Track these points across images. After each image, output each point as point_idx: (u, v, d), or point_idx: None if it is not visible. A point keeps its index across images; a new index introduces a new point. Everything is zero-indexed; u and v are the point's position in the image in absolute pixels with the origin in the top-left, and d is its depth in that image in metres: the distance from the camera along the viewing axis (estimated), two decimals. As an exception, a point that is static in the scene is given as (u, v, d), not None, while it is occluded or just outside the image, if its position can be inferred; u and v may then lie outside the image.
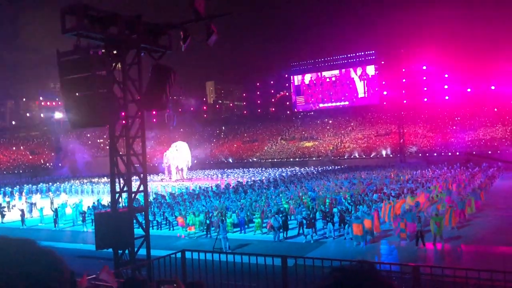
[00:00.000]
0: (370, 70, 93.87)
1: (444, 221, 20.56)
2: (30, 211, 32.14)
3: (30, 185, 55.92)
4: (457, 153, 59.77)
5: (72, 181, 60.10)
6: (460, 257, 17.37)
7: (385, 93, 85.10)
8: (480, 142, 65.44)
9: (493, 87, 74.50)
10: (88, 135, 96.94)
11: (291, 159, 78.16)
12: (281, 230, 21.59)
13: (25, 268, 1.10)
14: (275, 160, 79.99)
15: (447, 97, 77.87)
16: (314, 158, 76.04)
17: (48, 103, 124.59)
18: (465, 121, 72.60)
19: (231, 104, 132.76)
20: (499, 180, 41.12)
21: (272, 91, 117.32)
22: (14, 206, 35.15)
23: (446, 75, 78.88)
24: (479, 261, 15.78)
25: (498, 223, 22.91)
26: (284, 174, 53.53)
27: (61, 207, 31.09)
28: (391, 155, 69.26)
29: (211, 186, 41.03)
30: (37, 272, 1.11)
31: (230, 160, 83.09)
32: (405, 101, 72.89)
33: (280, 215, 22.50)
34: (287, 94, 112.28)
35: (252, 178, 50.37)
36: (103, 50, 11.45)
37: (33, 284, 1.09)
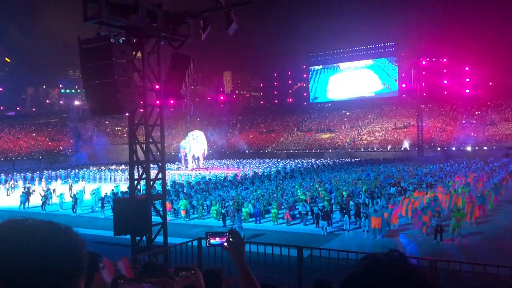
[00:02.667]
0: (390, 62, 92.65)
1: (467, 217, 20.36)
2: (51, 197, 32.71)
3: (49, 171, 56.88)
4: (484, 148, 58.70)
5: (90, 167, 60.92)
6: (479, 253, 17.15)
7: (404, 85, 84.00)
8: (501, 137, 64.26)
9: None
10: (107, 122, 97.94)
11: (307, 151, 77.87)
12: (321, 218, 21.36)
13: (43, 248, 1.12)
14: (291, 151, 79.80)
15: (467, 91, 76.49)
16: (330, 150, 75.63)
17: (68, 90, 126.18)
18: (486, 115, 71.31)
19: (248, 95, 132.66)
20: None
21: (290, 82, 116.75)
22: (34, 191, 35.80)
23: (467, 68, 77.44)
24: (497, 257, 15.57)
25: (518, 219, 22.56)
26: (300, 166, 53.42)
27: (79, 193, 31.58)
28: (409, 149, 68.52)
29: (227, 176, 41.17)
30: (55, 251, 1.14)
31: (246, 151, 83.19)
32: (424, 94, 71.78)
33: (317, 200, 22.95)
34: (304, 85, 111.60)
35: (268, 169, 50.36)
36: (123, 38, 11.52)
37: (50, 263, 1.11)
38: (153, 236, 12.19)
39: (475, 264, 9.16)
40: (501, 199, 27.28)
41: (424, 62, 74.20)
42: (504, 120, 69.58)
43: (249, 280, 2.64)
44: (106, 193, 31.05)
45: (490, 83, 76.93)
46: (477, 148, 60.76)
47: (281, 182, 36.17)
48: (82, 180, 44.36)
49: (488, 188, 27.80)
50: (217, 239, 2.95)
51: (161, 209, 13.02)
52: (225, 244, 2.85)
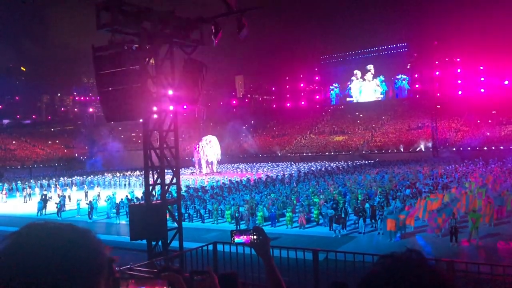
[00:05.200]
0: (401, 62, 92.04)
1: (485, 218, 20.11)
2: (64, 203, 33.10)
3: (65, 177, 57.56)
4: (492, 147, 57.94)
5: (105, 174, 61.51)
6: (497, 255, 16.90)
7: (417, 86, 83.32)
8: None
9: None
10: (120, 128, 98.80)
11: (321, 153, 77.56)
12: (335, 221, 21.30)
13: (65, 249, 1.15)
14: (304, 154, 79.59)
15: (482, 90, 75.55)
16: (344, 153, 75.25)
17: (82, 97, 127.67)
18: (502, 115, 70.29)
19: (260, 98, 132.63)
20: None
21: (302, 84, 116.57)
22: (51, 198, 36.26)
23: (481, 67, 76.55)
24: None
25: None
26: (313, 169, 53.26)
27: (94, 199, 31.91)
28: (423, 150, 67.86)
29: (241, 180, 41.22)
30: (76, 252, 1.16)
31: (260, 154, 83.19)
32: (438, 94, 71.15)
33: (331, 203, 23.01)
34: (316, 87, 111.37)
35: (282, 172, 50.31)
36: (136, 45, 11.64)
37: (71, 264, 1.14)
38: (168, 241, 12.26)
39: (493, 265, 9.02)
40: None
41: (437, 62, 73.52)
42: (520, 119, 68.56)
43: (275, 277, 2.65)
44: (121, 199, 31.32)
45: (506, 82, 75.89)
46: (493, 148, 59.92)
47: (295, 185, 36.10)
48: (97, 186, 44.83)
49: (506, 188, 27.37)
50: (242, 237, 2.96)
51: (176, 213, 13.09)
52: (251, 241, 2.87)
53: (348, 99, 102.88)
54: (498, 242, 18.24)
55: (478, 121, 71.78)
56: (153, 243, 12.07)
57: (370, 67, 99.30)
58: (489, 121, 70.42)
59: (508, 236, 19.22)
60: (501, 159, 46.60)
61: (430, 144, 67.31)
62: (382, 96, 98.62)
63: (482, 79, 76.19)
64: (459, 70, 75.87)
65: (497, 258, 16.20)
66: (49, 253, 1.12)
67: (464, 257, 16.35)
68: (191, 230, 22.33)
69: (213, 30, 12.11)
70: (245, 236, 2.93)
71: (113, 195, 32.20)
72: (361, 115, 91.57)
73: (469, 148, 62.60)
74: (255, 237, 2.83)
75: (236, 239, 3.00)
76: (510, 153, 50.82)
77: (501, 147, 58.96)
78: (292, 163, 69.45)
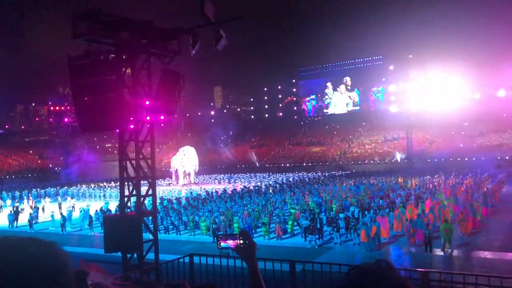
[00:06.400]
0: (377, 75, 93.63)
1: (460, 228, 20.52)
2: (37, 215, 32.33)
3: (38, 189, 56.27)
4: (477, 158, 59.24)
5: (80, 185, 60.40)
6: (469, 264, 17.22)
7: (392, 98, 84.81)
8: (489, 148, 64.90)
9: (501, 92, 73.96)
10: (96, 139, 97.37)
11: (298, 164, 77.97)
12: (309, 233, 21.36)
13: (27, 264, 1.11)
14: (282, 165, 79.87)
15: (455, 102, 77.33)
16: (321, 163, 75.84)
17: (57, 107, 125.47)
18: (474, 127, 72.08)
19: (238, 109, 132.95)
20: (508, 186, 40.73)
21: (280, 96, 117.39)
22: (23, 210, 35.37)
23: (454, 80, 78.42)
24: (488, 268, 15.66)
25: (508, 229, 22.72)
26: (291, 179, 53.45)
27: (68, 211, 31.29)
28: (399, 161, 68.92)
29: (218, 191, 41.05)
30: (39, 266, 1.12)
31: (238, 165, 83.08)
32: (412, 107, 72.53)
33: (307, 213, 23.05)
34: (294, 99, 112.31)
35: (259, 183, 50.31)
36: (113, 55, 11.56)
37: (35, 279, 1.10)
38: (144, 253, 12.10)
39: (466, 274, 9.20)
40: (490, 209, 27.50)
41: (411, 75, 75.06)
42: (492, 131, 70.39)
43: (259, 283, 2.64)
44: (96, 211, 30.79)
45: (477, 95, 77.92)
46: (466, 159, 61.26)
47: (272, 196, 36.13)
48: (71, 198, 43.94)
49: (477, 199, 27.97)
50: (228, 241, 2.93)
51: (152, 225, 12.95)
52: (237, 246, 2.85)
53: (325, 110, 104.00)
54: (471, 251, 18.64)
55: (452, 133, 73.42)
56: (128, 255, 11.89)
57: (347, 79, 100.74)
58: (462, 133, 72.11)
59: (479, 245, 19.64)
60: (473, 170, 47.64)
61: (405, 155, 68.41)
62: (357, 108, 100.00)
63: (455, 91, 77.94)
64: (432, 83, 77.41)
65: (470, 267, 16.51)
66: (10, 269, 1.08)
67: (439, 266, 16.61)
68: (167, 242, 22.08)
69: (191, 41, 12.14)
70: (231, 241, 2.91)
71: (87, 206, 31.63)
72: (338, 127, 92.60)
73: (442, 159, 63.87)
74: (241, 241, 2.82)
75: (222, 244, 2.98)
76: (482, 164, 52.02)
77: (473, 158, 60.34)
78: (270, 173, 69.56)
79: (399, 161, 68.82)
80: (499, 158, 57.48)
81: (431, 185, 38.61)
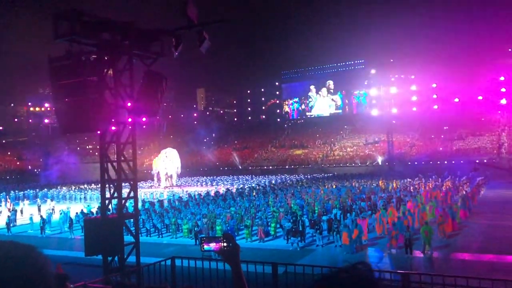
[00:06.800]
0: (359, 79, 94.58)
1: (440, 230, 20.81)
2: (15, 218, 31.74)
3: (16, 191, 55.24)
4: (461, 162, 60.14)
5: (60, 187, 59.49)
6: (449, 265, 17.49)
7: (374, 101, 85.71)
8: (468, 151, 66.06)
9: (480, 97, 75.55)
10: (77, 140, 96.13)
11: (281, 167, 78.20)
12: (292, 235, 21.36)
13: (4, 267, 1.09)
14: (265, 167, 79.99)
15: (435, 107, 78.63)
16: (303, 166, 76.21)
17: (37, 108, 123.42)
18: (453, 131, 73.33)
19: (221, 111, 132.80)
20: (486, 189, 41.53)
21: (263, 98, 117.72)
22: (1, 212, 34.70)
23: (434, 85, 79.71)
24: (467, 269, 15.92)
25: (486, 231, 23.15)
26: (274, 182, 53.56)
27: (48, 214, 30.78)
28: (380, 163, 69.63)
29: (201, 193, 40.90)
30: (17, 270, 1.11)
31: (220, 167, 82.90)
32: (394, 110, 73.49)
33: (290, 216, 23.02)
34: (277, 102, 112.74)
35: (242, 186, 50.29)
36: (94, 56, 11.44)
37: (12, 283, 1.09)
38: (125, 256, 11.97)
39: (445, 276, 9.34)
40: (469, 212, 27.97)
41: (393, 79, 76.01)
42: (471, 135, 71.67)
43: (242, 286, 2.64)
44: (76, 213, 30.37)
45: (456, 99, 79.29)
46: (445, 162, 62.21)
47: (255, 198, 36.15)
48: (51, 200, 43.25)
49: (456, 202, 28.42)
50: (211, 244, 2.92)
51: (133, 228, 12.83)
52: (220, 249, 2.83)
53: (308, 113, 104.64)
54: (450, 253, 18.93)
55: (432, 136, 74.58)
56: (109, 258, 11.75)
57: (330, 82, 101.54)
58: (442, 136, 73.30)
59: (459, 247, 19.96)
60: (453, 173, 48.42)
61: (386, 158, 69.15)
62: (340, 111, 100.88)
63: (435, 96, 79.23)
64: (413, 87, 78.52)
65: (449, 268, 16.77)
66: None
67: (419, 268, 16.82)
68: (149, 245, 21.89)
69: (174, 43, 12.09)
70: (214, 244, 2.90)
71: (67, 209, 31.17)
72: (320, 129, 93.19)
73: (422, 163, 64.73)
74: (224, 244, 2.81)
75: (205, 247, 2.96)
76: (461, 167, 52.90)
77: (453, 162, 61.33)
78: (253, 176, 69.59)
79: (380, 164, 69.53)
80: (477, 161, 58.57)
81: (411, 188, 39.10)
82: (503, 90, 65.53)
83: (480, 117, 74.40)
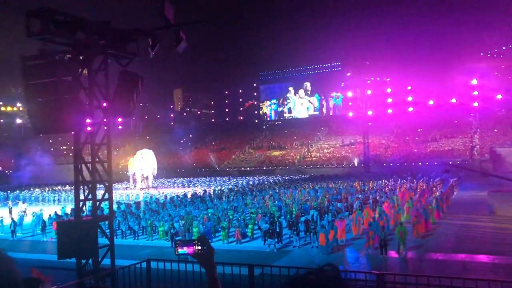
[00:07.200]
0: (335, 81, 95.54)
1: (414, 231, 21.17)
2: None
3: (-13, 193, 53.84)
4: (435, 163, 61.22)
5: (32, 189, 58.20)
6: (423, 265, 17.80)
7: (350, 103, 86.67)
8: (442, 152, 67.43)
9: (453, 100, 77.13)
10: (51, 141, 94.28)
11: (259, 168, 78.33)
12: (269, 236, 21.35)
13: None
14: (243, 168, 79.99)
15: (410, 109, 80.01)
16: (281, 167, 76.50)
17: (9, 108, 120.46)
18: (427, 133, 74.76)
19: (199, 112, 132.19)
20: (459, 190, 42.44)
21: (241, 100, 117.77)
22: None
23: (409, 87, 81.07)
24: (440, 269, 16.24)
25: (458, 231, 23.64)
26: (251, 183, 53.58)
27: (19, 216, 30.08)
28: (356, 165, 70.43)
29: (178, 195, 40.60)
30: None
31: (198, 169, 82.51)
32: (370, 112, 74.53)
33: (268, 217, 22.98)
34: (255, 103, 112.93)
35: (219, 187, 50.14)
36: (69, 55, 11.24)
37: None
38: (99, 259, 11.79)
39: (418, 276, 9.51)
40: (443, 212, 28.55)
41: (369, 82, 77.03)
42: (444, 137, 73.18)
43: None
44: (49, 215, 29.76)
45: (431, 102, 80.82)
46: (420, 163, 63.32)
47: (232, 200, 36.08)
48: (23, 202, 42.25)
49: (430, 203, 28.93)
50: (186, 248, 2.89)
51: (108, 230, 12.64)
52: (194, 252, 2.81)
53: (287, 114, 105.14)
54: (424, 253, 19.28)
55: (407, 138, 75.86)
56: (83, 261, 11.56)
57: (307, 84, 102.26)
58: (416, 138, 74.64)
59: (432, 247, 20.34)
60: (427, 175, 49.29)
61: (362, 160, 69.99)
62: (317, 113, 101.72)
63: (410, 98, 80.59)
64: (389, 90, 79.67)
65: (423, 268, 17.08)
66: None
67: (393, 268, 17.07)
68: (124, 247, 21.62)
69: (150, 43, 11.98)
70: (189, 247, 2.87)
71: (40, 211, 30.50)
72: (297, 131, 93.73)
73: (397, 164, 65.76)
74: (199, 247, 2.79)
75: (180, 250, 2.93)
76: (435, 169, 53.93)
77: (427, 163, 62.46)
78: (231, 177, 69.48)
79: (356, 165, 70.33)
80: (450, 163, 59.81)
81: (386, 188, 39.65)
82: (476, 93, 67.00)
83: (454, 119, 76.04)
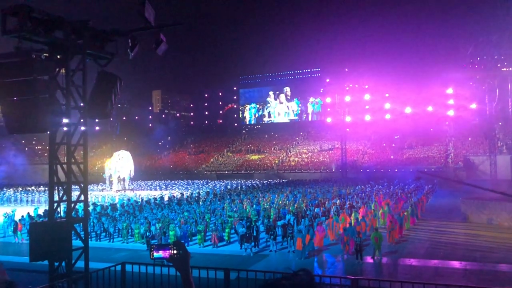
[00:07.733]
0: (315, 87, 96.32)
1: (389, 236, 21.45)
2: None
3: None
4: (410, 170, 62.08)
5: (5, 189, 56.84)
6: (397, 270, 18.03)
7: (329, 109, 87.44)
8: (417, 160, 68.57)
9: (429, 108, 78.55)
10: (24, 141, 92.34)
11: (237, 172, 78.27)
12: (245, 240, 21.27)
13: None
14: (221, 172, 79.78)
15: (388, 116, 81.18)
16: (259, 171, 76.59)
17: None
18: (404, 140, 75.95)
19: (178, 114, 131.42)
20: (434, 197, 43.20)
21: (220, 103, 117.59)
22: None
23: (387, 95, 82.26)
24: (414, 274, 16.49)
25: (432, 237, 24.05)
26: (229, 187, 53.47)
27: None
28: (334, 170, 71.02)
29: (154, 198, 40.22)
30: None
31: (175, 171, 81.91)
32: (348, 118, 75.36)
33: (245, 221, 22.91)
34: (235, 106, 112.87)
35: (197, 190, 49.87)
36: (46, 54, 11.04)
37: None
38: (73, 261, 11.58)
39: (392, 281, 9.63)
40: (418, 218, 29.02)
41: (347, 88, 77.87)
42: (420, 144, 74.48)
43: None
44: (22, 216, 29.10)
45: (407, 110, 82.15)
46: (396, 170, 64.25)
47: (210, 203, 35.93)
48: (-5, 202, 41.29)
49: (406, 209, 29.36)
50: (161, 252, 2.87)
51: (82, 232, 12.43)
52: (170, 256, 2.79)
53: (267, 119, 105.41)
54: (398, 259, 19.55)
55: (384, 145, 76.91)
56: (56, 263, 11.33)
57: (287, 89, 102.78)
58: (393, 145, 75.74)
59: (406, 253, 20.65)
60: (403, 181, 50.04)
61: (339, 165, 70.61)
62: (296, 117, 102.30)
63: (388, 105, 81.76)
64: (367, 97, 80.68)
65: (397, 273, 17.31)
66: None
67: (368, 273, 17.26)
68: (99, 250, 21.31)
69: (130, 44, 11.87)
70: (164, 251, 2.86)
71: (12, 212, 29.81)
72: (276, 135, 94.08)
73: (374, 170, 66.59)
74: (175, 251, 2.78)
75: (155, 254, 2.91)
76: (411, 175, 54.77)
77: (403, 170, 63.43)
78: (209, 180, 69.20)
79: (334, 170, 70.92)
80: (426, 170, 60.85)
81: (363, 194, 40.09)
82: (451, 102, 68.40)
83: (429, 127, 77.44)
